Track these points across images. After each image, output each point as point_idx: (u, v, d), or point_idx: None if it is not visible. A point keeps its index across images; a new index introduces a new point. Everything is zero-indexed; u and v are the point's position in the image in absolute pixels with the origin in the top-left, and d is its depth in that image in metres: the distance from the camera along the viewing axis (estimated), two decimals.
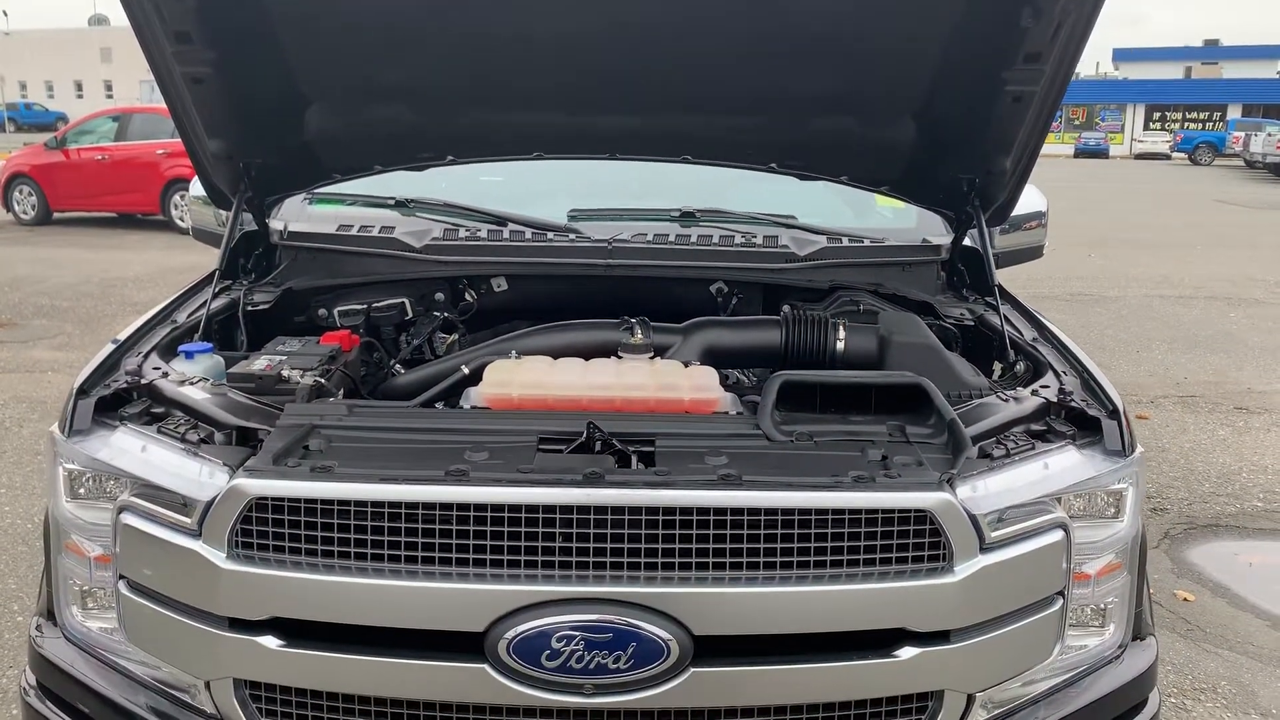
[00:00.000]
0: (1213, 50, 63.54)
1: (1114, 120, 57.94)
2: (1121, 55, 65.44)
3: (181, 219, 15.29)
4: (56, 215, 16.43)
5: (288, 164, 2.64)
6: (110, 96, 61.20)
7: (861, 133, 2.56)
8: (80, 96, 66.29)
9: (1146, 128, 56.36)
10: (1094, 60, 69.48)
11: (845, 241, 2.80)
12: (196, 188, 3.43)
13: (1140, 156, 51.79)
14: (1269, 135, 34.33)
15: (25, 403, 6.79)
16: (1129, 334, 9.39)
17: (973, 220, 2.67)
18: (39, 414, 6.55)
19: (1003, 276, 2.92)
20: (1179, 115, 56.31)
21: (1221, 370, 8.15)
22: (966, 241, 2.85)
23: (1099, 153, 52.28)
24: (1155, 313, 10.42)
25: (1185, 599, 4.29)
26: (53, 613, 1.98)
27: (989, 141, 2.45)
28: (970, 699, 1.75)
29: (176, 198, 15.15)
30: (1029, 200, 3.46)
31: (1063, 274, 12.51)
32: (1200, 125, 54.24)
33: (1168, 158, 50.10)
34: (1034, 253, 3.45)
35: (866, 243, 2.83)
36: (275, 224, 2.83)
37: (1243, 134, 38.18)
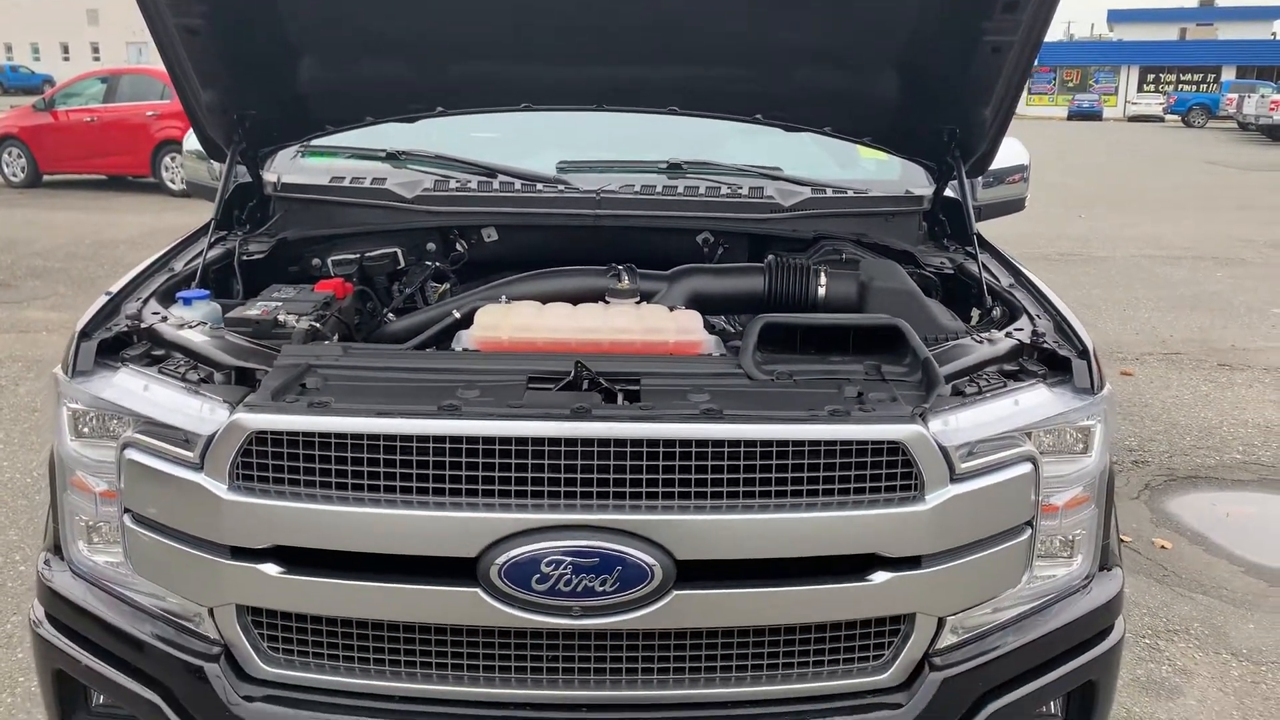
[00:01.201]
0: (1208, 11, 63.15)
1: (1108, 82, 57.69)
2: (1116, 16, 65.10)
3: (172, 181, 15.26)
4: (46, 177, 16.35)
5: (281, 116, 2.68)
6: (97, 59, 60.65)
7: (844, 84, 2.61)
8: (66, 59, 65.56)
9: (1140, 90, 56.15)
10: (1089, 22, 69.01)
11: (829, 193, 2.86)
12: (190, 142, 3.47)
13: (1134, 119, 51.64)
14: (1262, 97, 34.29)
15: (20, 362, 6.84)
16: (1116, 293, 9.48)
17: (953, 171, 2.72)
18: (35, 373, 6.60)
19: (992, 234, 2.98)
20: (1173, 77, 56.08)
21: (1206, 328, 8.25)
22: (948, 193, 2.91)
23: (1092, 115, 52.12)
24: (1143, 272, 10.50)
25: (1163, 546, 4.40)
26: (59, 548, 2.05)
27: (968, 92, 2.50)
28: (941, 622, 1.83)
29: (168, 159, 15.11)
30: (1012, 153, 3.53)
31: (1052, 234, 12.58)
32: (1194, 87, 54.04)
33: (1161, 120, 49.97)
34: (1016, 205, 3.51)
35: (850, 194, 2.89)
36: (269, 176, 2.88)
37: (1236, 96, 38.08)
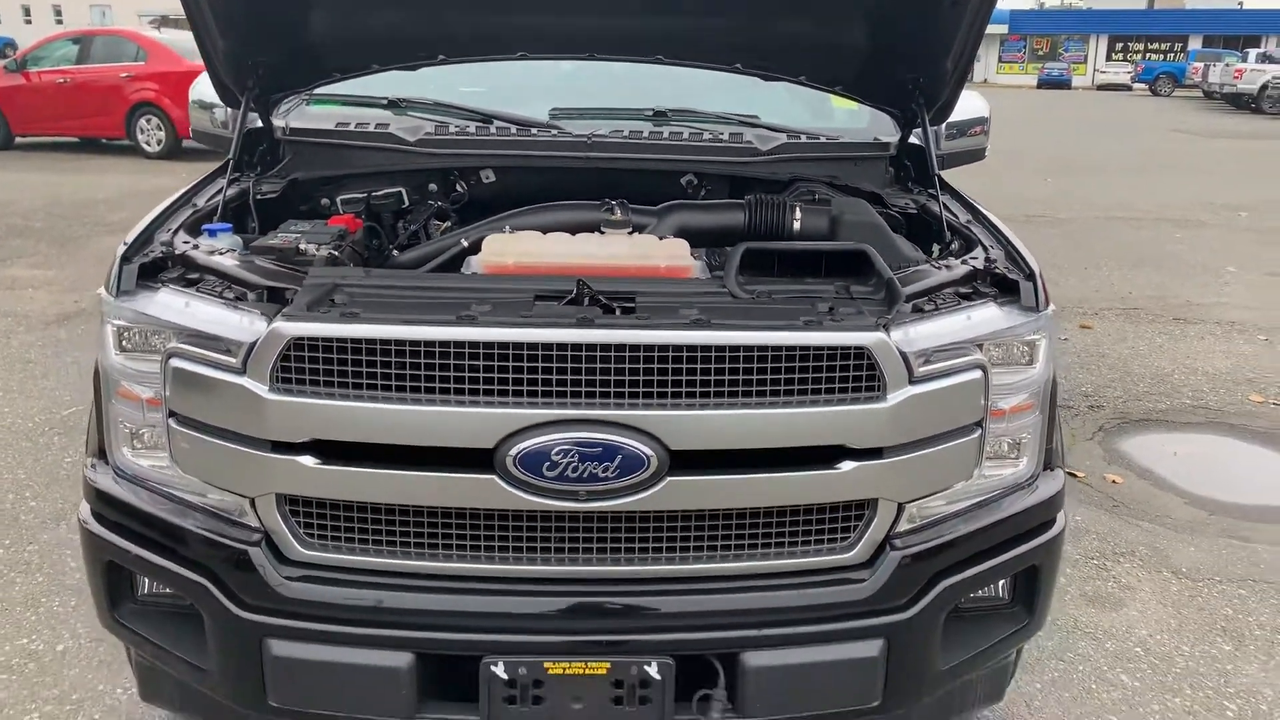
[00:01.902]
0: None
1: (1077, 51, 58.06)
2: None
3: (147, 144, 15.23)
4: (19, 139, 16.26)
5: (292, 63, 2.86)
6: (60, 21, 59.43)
7: (817, 35, 2.82)
8: (29, 21, 64.27)
9: (1109, 59, 56.54)
10: None
11: (803, 139, 3.08)
12: (195, 92, 3.65)
13: (1102, 87, 52.11)
14: (1226, 66, 34.73)
15: (10, 317, 6.97)
16: (1079, 253, 9.78)
17: (918, 119, 2.95)
18: (25, 327, 6.75)
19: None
20: (1141, 46, 56.51)
21: (1164, 286, 8.57)
22: (913, 140, 3.13)
23: (1061, 83, 52.49)
24: (1105, 234, 10.81)
25: (1114, 481, 4.69)
26: (103, 452, 2.24)
27: (930, 44, 2.72)
28: (900, 508, 2.07)
29: (143, 122, 15.06)
30: (974, 106, 3.77)
31: (1020, 198, 12.86)
32: (1161, 56, 54.50)
33: (1129, 89, 50.46)
34: (977, 155, 3.75)
35: (823, 140, 3.11)
36: (278, 121, 3.06)
37: (1202, 65, 38.54)
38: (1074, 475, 4.72)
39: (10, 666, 3.10)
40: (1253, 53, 39.13)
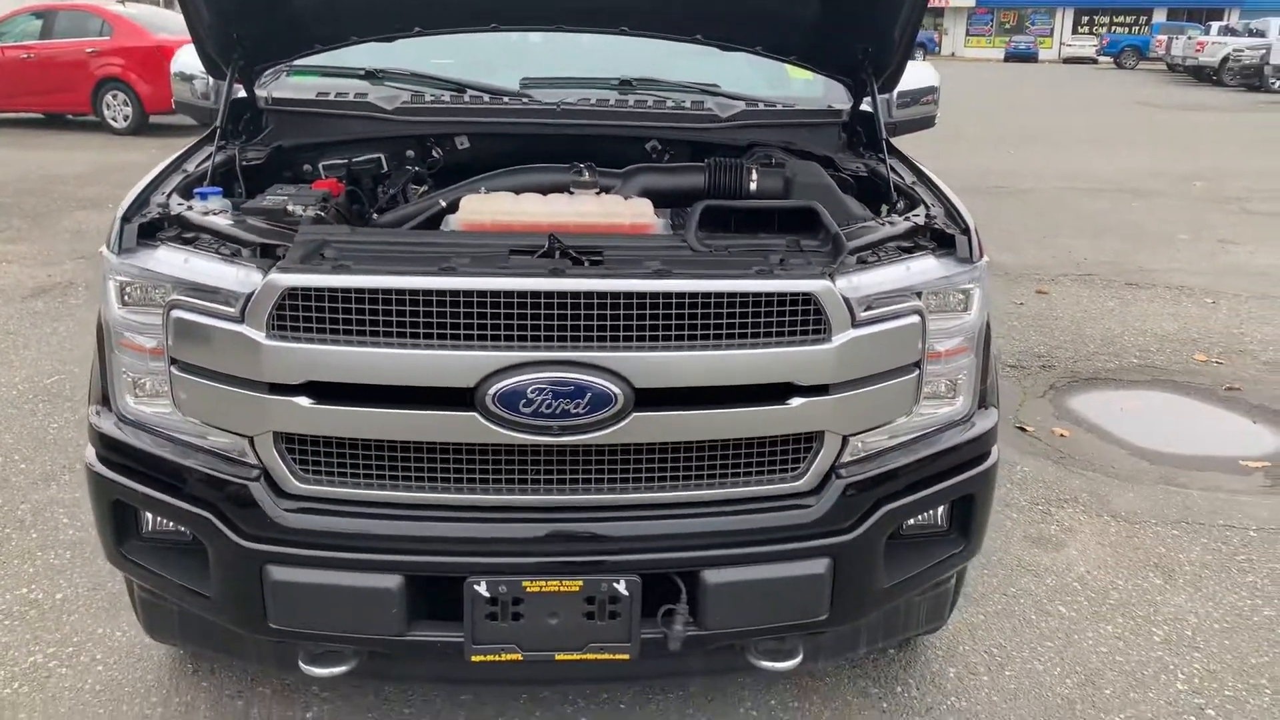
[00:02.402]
0: None
1: (1044, 24, 58.41)
2: None
3: (114, 120, 15.17)
4: None
5: (274, 35, 3.00)
6: None
7: (772, 6, 3.00)
8: None
9: (1075, 32, 56.95)
10: None
11: (761, 106, 3.26)
12: (176, 64, 3.78)
13: (1068, 60, 52.51)
14: (1189, 39, 35.14)
15: None
16: (1038, 222, 10.05)
17: (867, 86, 3.14)
18: (2, 300, 6.82)
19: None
20: (1107, 19, 56.94)
21: (1119, 253, 8.84)
22: (865, 108, 3.32)
23: (1028, 57, 52.88)
24: (1065, 203, 11.09)
25: (1061, 435, 4.94)
26: (106, 400, 2.40)
27: (878, 15, 2.90)
28: (845, 440, 2.27)
29: (109, 98, 14.98)
30: (925, 76, 3.98)
31: (982, 169, 13.12)
32: (1127, 29, 54.97)
33: (1095, 62, 50.89)
34: (927, 122, 3.96)
35: (779, 107, 3.30)
36: (261, 92, 3.21)
37: (1165, 38, 38.98)
38: (1024, 429, 4.97)
39: (12, 613, 3.26)
40: (1215, 25, 39.61)
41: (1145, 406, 5.44)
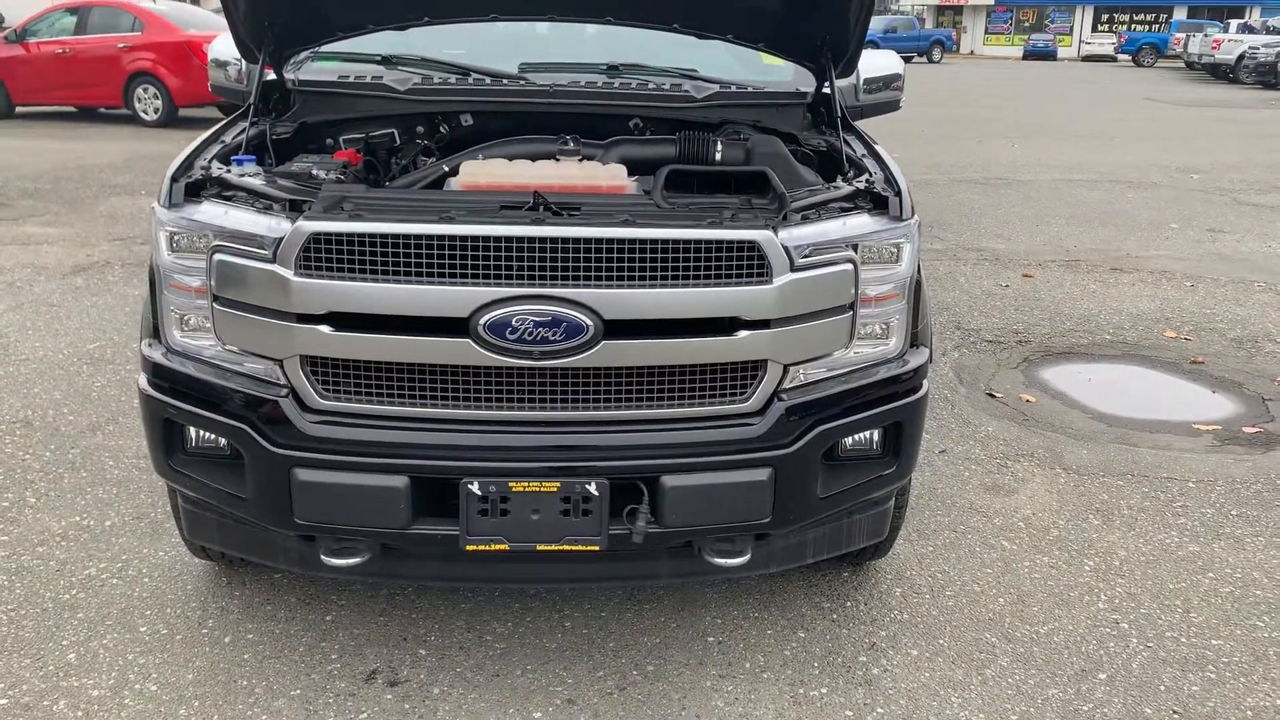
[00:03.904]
0: None
1: (1063, 22, 58.36)
2: None
3: (145, 112, 15.70)
4: (19, 109, 16.69)
5: (302, 23, 3.41)
6: None
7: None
8: None
9: (1094, 30, 56.88)
10: None
11: (734, 88, 3.65)
12: (213, 51, 4.21)
13: (1087, 59, 52.49)
14: (1205, 36, 35.18)
15: (30, 268, 7.52)
16: (1033, 211, 10.37)
17: (826, 71, 3.52)
18: (44, 276, 7.29)
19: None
20: (1126, 17, 56.84)
21: (1108, 240, 9.16)
22: (827, 91, 3.71)
23: (1047, 55, 52.89)
24: (1061, 194, 11.39)
25: (1028, 400, 5.30)
26: (157, 333, 2.81)
27: (834, 7, 3.29)
28: (786, 369, 2.65)
29: (140, 91, 15.51)
30: (891, 64, 4.38)
31: (984, 161, 13.44)
32: (1146, 27, 54.89)
33: (1114, 60, 50.87)
34: (894, 105, 4.35)
35: (750, 90, 3.69)
36: (289, 75, 3.62)
37: (1183, 35, 39.02)
38: (993, 395, 5.33)
39: (67, 536, 3.69)
40: (1234, 23, 39.66)
41: (1111, 377, 5.78)
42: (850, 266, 2.68)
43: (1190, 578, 3.58)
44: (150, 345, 2.83)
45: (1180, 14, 53.90)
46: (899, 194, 2.86)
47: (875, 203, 2.87)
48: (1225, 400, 5.42)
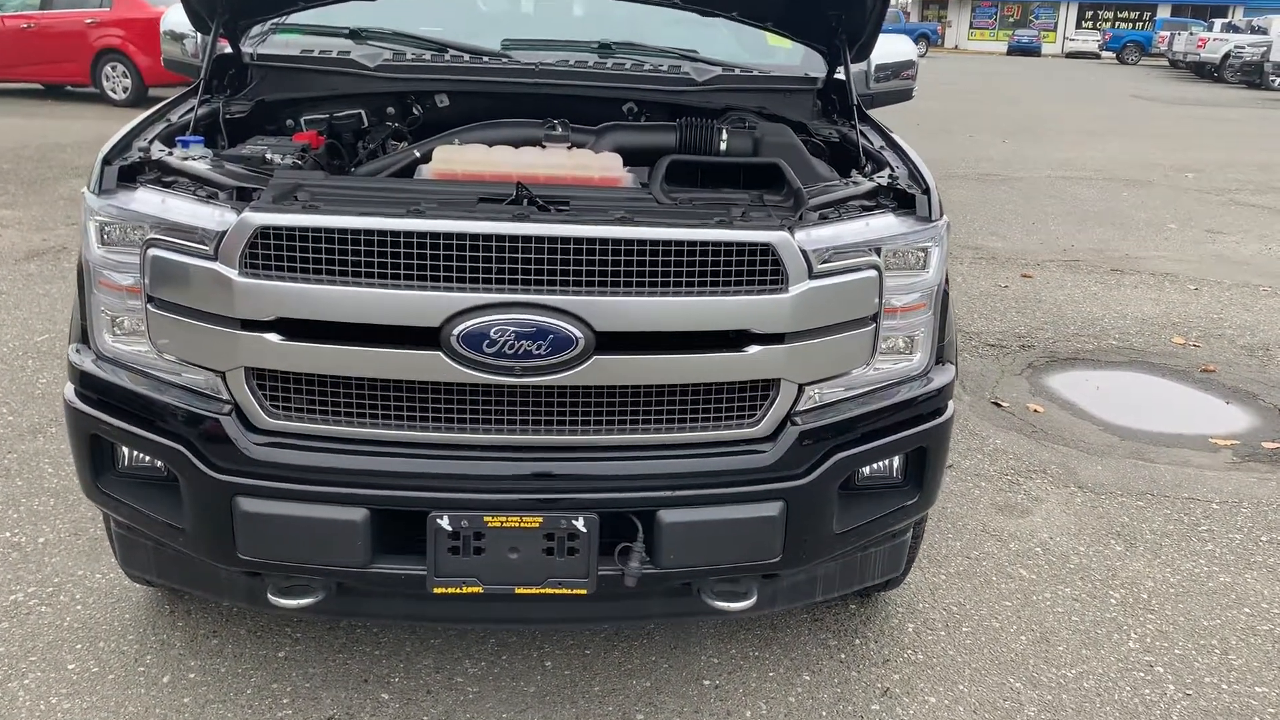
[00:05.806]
0: None
1: (1048, 18, 58.28)
2: None
3: (113, 91, 15.19)
4: None
5: None
6: None
7: None
8: None
9: (1079, 26, 56.84)
10: None
11: (737, 71, 3.32)
12: (166, 23, 3.83)
13: (1071, 55, 52.44)
14: (1190, 35, 35.14)
15: None
16: (1028, 209, 10.10)
17: (840, 55, 3.20)
18: None
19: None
20: (1110, 14, 56.83)
21: (1106, 240, 8.90)
22: (839, 76, 3.38)
23: (1031, 50, 52.76)
24: (1055, 192, 11.14)
25: (1036, 410, 5.01)
26: (86, 338, 2.47)
27: None
28: (800, 389, 2.33)
29: (108, 69, 15.00)
30: (905, 50, 4.05)
31: (975, 157, 13.18)
32: (1130, 25, 54.89)
33: (1098, 57, 50.84)
34: (906, 94, 4.02)
35: (755, 73, 3.36)
36: (246, 48, 3.26)
37: (1168, 34, 38.99)
38: (999, 405, 5.04)
39: None
40: (1218, 22, 39.60)
41: (1120, 385, 5.51)
42: (874, 273, 2.36)
43: (1225, 613, 3.29)
44: (78, 351, 2.48)
45: (1164, 12, 53.86)
46: (926, 191, 2.55)
47: (900, 201, 2.56)
48: (1240, 412, 5.15)
